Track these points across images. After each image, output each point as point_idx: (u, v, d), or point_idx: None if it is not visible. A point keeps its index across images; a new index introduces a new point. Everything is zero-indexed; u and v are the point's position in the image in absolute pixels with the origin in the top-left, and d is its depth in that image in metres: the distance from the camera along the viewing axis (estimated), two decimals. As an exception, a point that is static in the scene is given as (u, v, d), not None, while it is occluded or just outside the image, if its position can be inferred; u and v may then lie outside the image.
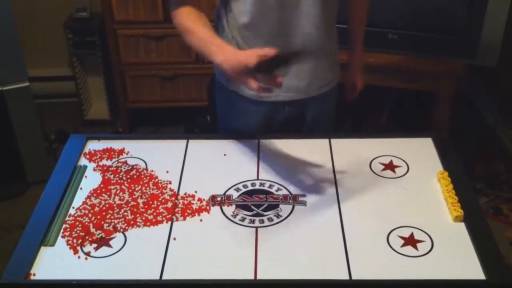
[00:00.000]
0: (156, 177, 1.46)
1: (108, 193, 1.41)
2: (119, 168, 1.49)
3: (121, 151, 1.56)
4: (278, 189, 1.42)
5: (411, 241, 1.26)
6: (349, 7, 1.73)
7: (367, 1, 1.73)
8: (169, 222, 1.32)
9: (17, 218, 2.44)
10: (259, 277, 1.18)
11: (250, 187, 1.43)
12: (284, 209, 1.36)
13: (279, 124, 1.66)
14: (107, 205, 1.37)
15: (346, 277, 1.18)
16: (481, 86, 3.04)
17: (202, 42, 1.43)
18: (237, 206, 1.37)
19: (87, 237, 1.28)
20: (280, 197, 1.39)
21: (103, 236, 1.28)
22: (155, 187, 1.42)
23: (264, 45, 1.46)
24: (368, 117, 2.90)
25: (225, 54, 1.35)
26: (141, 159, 1.53)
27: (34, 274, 1.19)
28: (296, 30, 1.50)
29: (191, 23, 1.45)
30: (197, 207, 1.36)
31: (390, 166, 1.49)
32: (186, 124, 2.98)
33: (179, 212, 1.35)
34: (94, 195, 1.40)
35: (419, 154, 1.53)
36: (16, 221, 2.40)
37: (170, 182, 1.44)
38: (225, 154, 1.54)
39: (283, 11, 1.48)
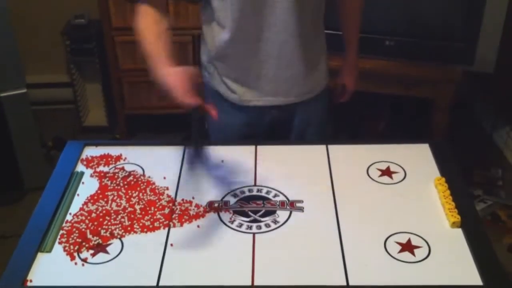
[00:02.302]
0: (153, 183, 1.46)
1: (105, 199, 1.40)
2: (116, 174, 1.49)
3: (118, 157, 1.56)
4: (275, 195, 1.42)
5: (408, 247, 1.26)
6: (340, 9, 1.74)
7: (360, 4, 1.73)
8: (166, 228, 1.32)
9: (14, 224, 2.43)
10: (256, 283, 1.18)
11: (247, 193, 1.42)
12: (282, 215, 1.36)
13: (266, 128, 1.67)
14: (104, 211, 1.36)
15: (344, 283, 1.18)
16: (478, 92, 3.05)
17: (149, 52, 1.43)
18: (234, 212, 1.36)
19: (84, 243, 1.28)
20: (278, 203, 1.39)
21: (100, 242, 1.28)
22: (152, 193, 1.42)
23: (242, 52, 1.51)
24: (366, 123, 2.90)
25: (167, 72, 1.36)
26: (138, 165, 1.53)
27: (30, 281, 1.19)
28: (273, 37, 1.52)
29: (145, 27, 1.45)
30: (194, 213, 1.36)
31: (387, 172, 1.49)
32: (184, 131, 2.97)
33: (176, 218, 1.35)
34: (91, 201, 1.40)
35: (416, 160, 1.53)
36: (13, 227, 2.39)
37: (167, 188, 1.44)
38: (222, 160, 1.54)
39: (260, 19, 1.49)
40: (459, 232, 1.30)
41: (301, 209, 1.37)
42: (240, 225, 1.33)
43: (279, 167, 1.51)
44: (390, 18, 2.34)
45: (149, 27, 1.45)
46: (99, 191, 1.44)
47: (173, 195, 1.42)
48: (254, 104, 1.62)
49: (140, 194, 1.42)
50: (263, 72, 1.57)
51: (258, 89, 1.60)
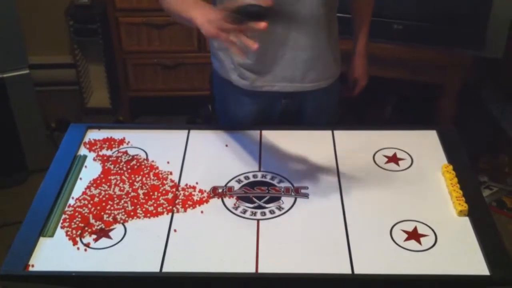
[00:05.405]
0: (157, 168, 1.44)
1: (108, 184, 1.39)
2: (119, 158, 1.47)
3: (122, 141, 1.54)
4: (280, 181, 1.40)
5: (414, 235, 1.24)
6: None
7: None
8: (170, 214, 1.31)
9: (18, 207, 2.43)
10: (260, 270, 1.17)
11: (251, 179, 1.41)
12: (286, 201, 1.34)
13: (276, 117, 1.63)
14: (107, 196, 1.35)
15: (349, 271, 1.16)
16: (487, 78, 3.01)
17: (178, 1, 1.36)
18: (239, 198, 1.35)
19: (86, 228, 1.27)
20: (282, 189, 1.37)
21: (103, 227, 1.27)
22: (155, 178, 1.41)
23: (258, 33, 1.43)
24: (372, 109, 2.88)
25: (203, 10, 1.29)
26: (142, 149, 1.51)
27: (32, 265, 1.18)
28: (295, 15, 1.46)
29: None
30: (198, 199, 1.35)
31: (393, 159, 1.48)
32: (188, 114, 2.96)
33: (180, 203, 1.33)
34: (94, 185, 1.39)
35: (424, 147, 1.52)
36: (17, 209, 2.39)
37: (171, 173, 1.42)
38: (226, 145, 1.52)
39: None
40: (466, 220, 1.28)
41: (306, 196, 1.36)
42: (244, 211, 1.32)
43: (284, 152, 1.49)
44: (398, 1, 2.31)
45: None
46: (102, 175, 1.42)
47: (176, 180, 1.40)
48: (267, 89, 1.57)
49: (144, 179, 1.40)
50: (279, 54, 1.52)
51: (272, 74, 1.55)
